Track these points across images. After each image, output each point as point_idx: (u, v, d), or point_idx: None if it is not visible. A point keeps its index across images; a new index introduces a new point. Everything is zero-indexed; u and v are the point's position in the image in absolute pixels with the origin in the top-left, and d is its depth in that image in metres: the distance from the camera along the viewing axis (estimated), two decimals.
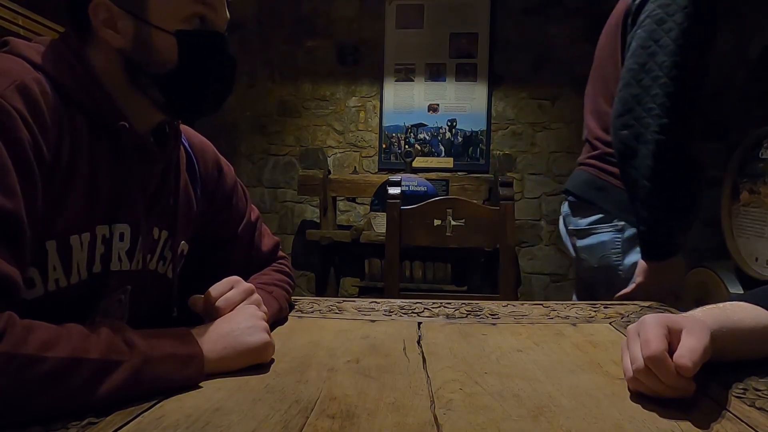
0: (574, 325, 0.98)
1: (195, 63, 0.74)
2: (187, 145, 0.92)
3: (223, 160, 0.98)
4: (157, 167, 0.81)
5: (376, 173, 3.47)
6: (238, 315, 0.74)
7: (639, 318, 1.01)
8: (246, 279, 0.85)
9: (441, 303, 1.12)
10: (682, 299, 2.67)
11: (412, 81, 3.46)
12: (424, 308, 1.08)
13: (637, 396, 0.65)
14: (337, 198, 3.39)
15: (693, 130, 1.19)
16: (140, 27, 0.71)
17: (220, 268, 0.91)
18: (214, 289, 0.77)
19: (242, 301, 0.78)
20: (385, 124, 3.49)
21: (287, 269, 1.04)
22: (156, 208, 0.82)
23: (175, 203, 0.85)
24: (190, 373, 0.64)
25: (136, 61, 0.73)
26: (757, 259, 2.47)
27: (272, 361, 0.73)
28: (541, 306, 1.12)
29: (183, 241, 0.89)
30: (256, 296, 0.81)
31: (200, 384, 0.65)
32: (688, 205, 1.22)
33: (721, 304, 0.73)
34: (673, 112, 1.11)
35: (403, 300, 1.14)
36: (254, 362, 0.70)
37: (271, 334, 0.75)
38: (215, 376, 0.67)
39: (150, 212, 0.81)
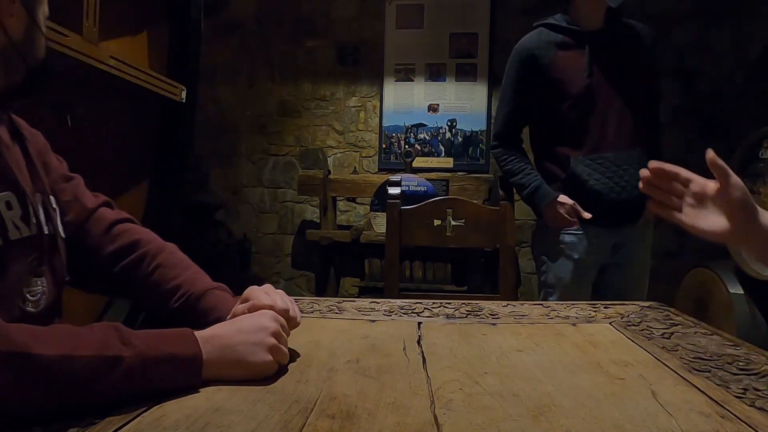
0: (574, 325, 0.98)
1: (48, 60, 0.81)
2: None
3: (29, 127, 0.91)
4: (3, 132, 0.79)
5: (376, 173, 3.47)
6: (250, 326, 0.71)
7: (639, 318, 1.01)
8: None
9: (441, 303, 1.12)
10: (678, 299, 2.68)
11: (412, 81, 3.45)
12: (424, 308, 1.08)
13: (637, 396, 0.65)
14: (337, 198, 3.38)
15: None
16: (29, 23, 0.76)
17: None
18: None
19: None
20: (385, 124, 3.49)
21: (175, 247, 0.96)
22: (23, 171, 0.79)
23: (32, 164, 0.82)
24: (189, 375, 0.64)
25: (18, 49, 0.76)
26: None
27: None
28: (541, 306, 1.12)
29: (54, 199, 0.85)
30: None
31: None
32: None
33: None
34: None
35: (403, 300, 1.14)
36: (253, 378, 0.68)
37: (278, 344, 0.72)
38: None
39: (22, 177, 0.78)
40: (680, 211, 0.84)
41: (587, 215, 1.64)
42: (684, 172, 0.84)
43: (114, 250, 0.89)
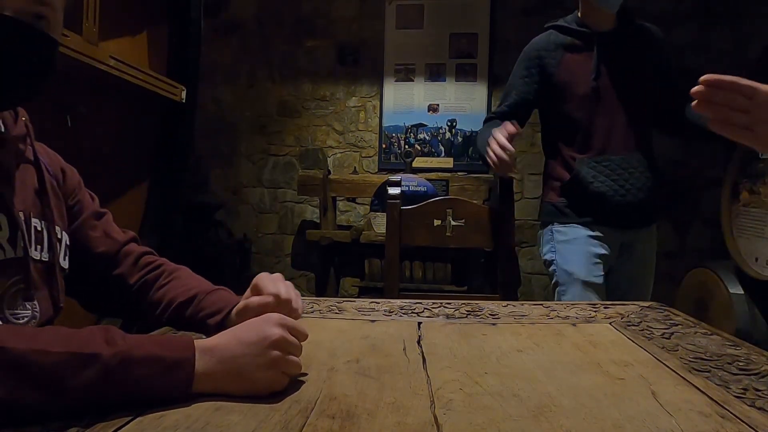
0: (574, 325, 0.98)
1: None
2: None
3: (66, 163, 0.95)
4: (9, 154, 0.78)
5: (376, 173, 3.47)
6: (250, 335, 0.65)
7: (639, 318, 1.01)
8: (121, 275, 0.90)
9: (441, 303, 1.12)
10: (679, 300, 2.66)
11: (412, 81, 3.45)
12: (424, 308, 1.08)
13: (637, 396, 0.65)
14: (337, 198, 3.38)
15: None
16: None
17: (83, 261, 0.90)
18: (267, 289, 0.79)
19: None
20: (385, 124, 3.49)
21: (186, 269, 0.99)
22: (28, 198, 0.80)
23: (44, 193, 0.83)
24: (176, 380, 0.59)
25: None
26: (757, 259, 2.46)
27: None
28: (541, 306, 1.12)
29: (64, 232, 0.87)
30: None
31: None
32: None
33: None
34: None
35: (403, 300, 1.14)
36: (257, 394, 0.63)
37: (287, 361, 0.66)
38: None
39: (23, 202, 0.79)
40: (748, 128, 0.72)
41: (515, 174, 1.53)
42: (745, 82, 0.72)
43: (140, 277, 0.92)
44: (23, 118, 0.83)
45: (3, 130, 0.78)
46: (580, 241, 1.67)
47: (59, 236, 0.85)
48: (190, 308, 0.85)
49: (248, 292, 0.83)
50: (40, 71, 0.76)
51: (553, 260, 1.73)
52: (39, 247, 0.81)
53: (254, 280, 0.83)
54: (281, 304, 0.78)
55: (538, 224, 1.78)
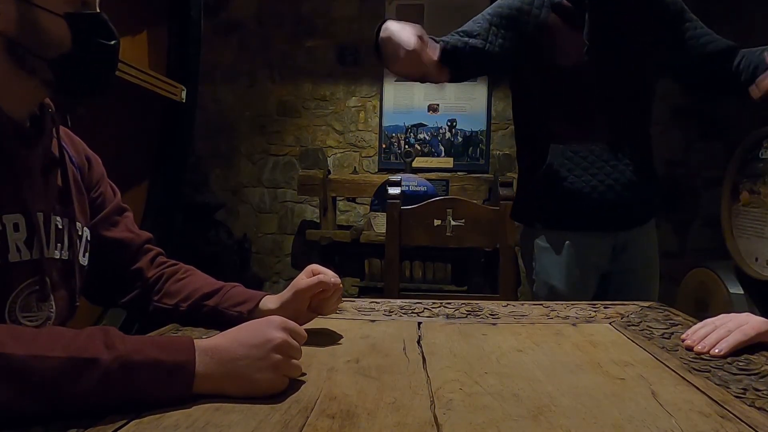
0: (574, 325, 0.98)
1: (89, 46, 0.74)
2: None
3: (90, 152, 0.95)
4: (36, 154, 0.78)
5: (376, 173, 3.47)
6: (252, 337, 0.64)
7: (639, 318, 1.01)
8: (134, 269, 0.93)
9: (441, 303, 1.12)
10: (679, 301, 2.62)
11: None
12: (424, 308, 1.08)
13: (637, 396, 0.65)
14: (337, 198, 3.39)
15: None
16: (24, 9, 0.69)
17: (102, 254, 0.91)
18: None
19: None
20: (385, 124, 3.49)
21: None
22: (51, 195, 0.80)
23: (67, 190, 0.83)
24: (176, 385, 0.59)
25: (22, 44, 0.70)
26: (757, 259, 2.47)
27: None
28: (541, 306, 1.12)
29: (85, 228, 0.87)
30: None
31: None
32: None
33: None
34: None
35: (403, 300, 1.14)
36: (257, 395, 0.62)
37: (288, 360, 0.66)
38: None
39: (45, 200, 0.78)
40: None
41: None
42: None
43: (157, 272, 0.96)
44: (50, 110, 0.82)
45: (29, 124, 0.78)
46: (562, 249, 1.39)
47: (80, 233, 0.85)
48: (215, 298, 0.90)
49: (302, 275, 0.89)
50: (113, 61, 0.80)
51: (533, 269, 1.48)
52: (59, 245, 0.80)
53: (310, 267, 0.90)
54: (339, 290, 0.90)
55: None
